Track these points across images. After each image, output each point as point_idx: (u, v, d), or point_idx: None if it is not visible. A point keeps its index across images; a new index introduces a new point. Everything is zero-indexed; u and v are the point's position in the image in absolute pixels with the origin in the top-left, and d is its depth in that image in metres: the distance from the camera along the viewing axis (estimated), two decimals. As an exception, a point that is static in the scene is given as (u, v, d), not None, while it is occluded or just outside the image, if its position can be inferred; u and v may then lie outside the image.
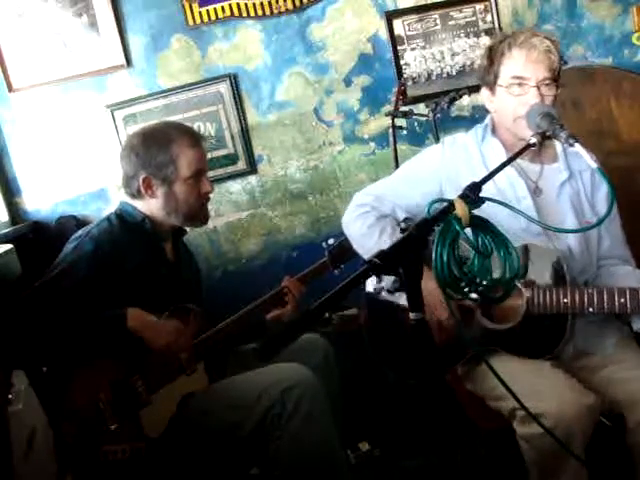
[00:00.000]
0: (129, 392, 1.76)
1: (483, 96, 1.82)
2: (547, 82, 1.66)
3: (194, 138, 1.99)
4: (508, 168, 1.69)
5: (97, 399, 1.71)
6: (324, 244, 2.19)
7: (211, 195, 2.05)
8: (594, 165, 1.30)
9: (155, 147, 1.93)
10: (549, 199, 1.76)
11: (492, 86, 1.75)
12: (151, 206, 1.97)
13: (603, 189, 1.76)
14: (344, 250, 2.13)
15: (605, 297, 1.58)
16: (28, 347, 1.69)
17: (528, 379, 1.57)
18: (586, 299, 1.59)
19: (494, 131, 1.83)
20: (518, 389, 1.63)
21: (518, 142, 1.70)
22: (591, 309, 1.59)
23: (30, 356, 1.68)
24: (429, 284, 1.46)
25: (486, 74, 1.76)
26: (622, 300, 1.55)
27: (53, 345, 1.71)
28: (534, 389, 1.50)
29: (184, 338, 1.87)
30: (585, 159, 1.32)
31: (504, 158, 1.58)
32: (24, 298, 1.77)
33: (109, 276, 1.82)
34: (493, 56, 1.73)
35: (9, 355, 1.60)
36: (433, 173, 1.83)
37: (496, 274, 1.18)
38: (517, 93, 1.67)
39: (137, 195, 1.97)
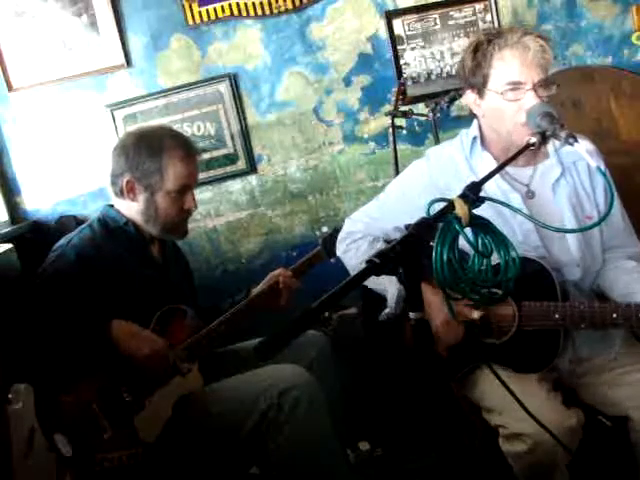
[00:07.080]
0: (120, 399, 1.72)
1: (468, 99, 1.69)
2: (543, 83, 1.56)
3: (188, 152, 1.93)
4: (501, 182, 1.67)
5: (88, 409, 1.67)
6: (318, 232, 2.19)
7: (194, 212, 2.01)
8: (593, 164, 1.28)
9: (146, 152, 1.89)
10: (543, 201, 1.68)
11: (480, 89, 1.64)
12: (132, 209, 1.95)
13: (602, 180, 1.66)
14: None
15: (598, 315, 1.52)
16: (14, 362, 1.62)
17: (510, 396, 1.43)
18: (578, 315, 1.54)
19: (483, 142, 1.73)
20: (500, 405, 1.62)
21: (510, 151, 1.62)
22: (583, 325, 1.54)
23: (18, 371, 1.62)
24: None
25: (472, 76, 1.64)
26: (614, 315, 1.50)
27: (38, 359, 1.65)
28: (515, 407, 1.37)
29: (169, 346, 1.81)
30: (586, 158, 1.29)
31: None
32: (7, 311, 1.74)
33: (94, 284, 1.78)
34: (480, 57, 1.60)
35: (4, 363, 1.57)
36: (423, 188, 1.74)
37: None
38: (513, 98, 1.57)
39: (119, 195, 1.95)
